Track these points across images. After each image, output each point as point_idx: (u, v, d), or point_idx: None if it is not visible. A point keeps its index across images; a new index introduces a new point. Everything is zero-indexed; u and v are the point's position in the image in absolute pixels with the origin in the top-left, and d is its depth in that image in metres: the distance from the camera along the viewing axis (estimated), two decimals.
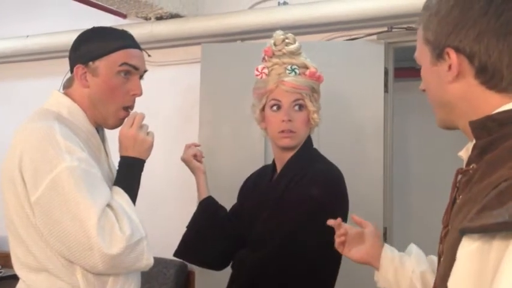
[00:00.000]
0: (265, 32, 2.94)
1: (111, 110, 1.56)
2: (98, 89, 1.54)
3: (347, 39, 2.88)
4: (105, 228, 1.36)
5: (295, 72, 1.77)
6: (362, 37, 2.82)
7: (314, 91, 1.80)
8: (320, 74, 1.83)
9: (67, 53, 1.60)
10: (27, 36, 3.74)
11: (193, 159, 1.93)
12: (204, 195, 1.92)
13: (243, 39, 3.12)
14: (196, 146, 1.97)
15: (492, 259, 0.75)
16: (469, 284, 0.77)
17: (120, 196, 1.49)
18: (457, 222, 0.86)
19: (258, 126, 1.92)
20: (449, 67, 0.92)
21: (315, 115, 1.79)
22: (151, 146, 1.59)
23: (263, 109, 1.81)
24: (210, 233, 1.88)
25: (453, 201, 0.95)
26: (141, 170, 1.58)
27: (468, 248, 0.78)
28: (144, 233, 1.45)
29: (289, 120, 1.74)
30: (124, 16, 3.49)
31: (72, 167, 1.37)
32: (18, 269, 1.48)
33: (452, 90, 0.94)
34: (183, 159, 1.94)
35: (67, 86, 1.59)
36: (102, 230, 1.35)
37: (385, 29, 2.74)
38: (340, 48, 2.83)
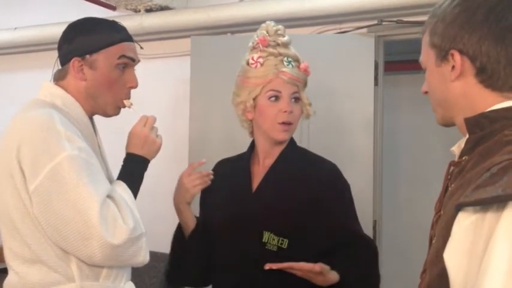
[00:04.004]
0: (255, 24, 2.91)
1: (109, 101, 1.56)
2: (96, 82, 1.53)
3: (337, 33, 2.88)
4: (107, 218, 1.35)
5: (292, 65, 1.75)
6: (352, 30, 2.82)
7: (305, 85, 1.80)
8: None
9: (56, 46, 1.58)
10: (15, 28, 3.70)
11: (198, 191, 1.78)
12: (193, 223, 1.79)
13: (233, 32, 3.10)
14: (200, 164, 1.85)
15: (485, 231, 0.84)
16: (464, 254, 0.87)
17: (124, 190, 1.50)
18: (450, 205, 0.94)
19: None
20: (453, 67, 1.02)
21: (308, 107, 1.78)
22: (159, 148, 1.63)
23: (254, 99, 1.75)
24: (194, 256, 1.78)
25: (445, 190, 1.04)
26: (145, 169, 1.61)
27: (464, 223, 0.88)
28: (144, 229, 1.45)
29: (291, 112, 1.71)
30: (113, 8, 3.46)
31: (73, 156, 1.37)
32: (10, 261, 1.47)
33: (453, 88, 1.03)
34: (191, 191, 1.77)
35: (59, 78, 1.57)
36: (105, 219, 1.35)
37: (376, 22, 2.74)
38: (330, 42, 2.82)
